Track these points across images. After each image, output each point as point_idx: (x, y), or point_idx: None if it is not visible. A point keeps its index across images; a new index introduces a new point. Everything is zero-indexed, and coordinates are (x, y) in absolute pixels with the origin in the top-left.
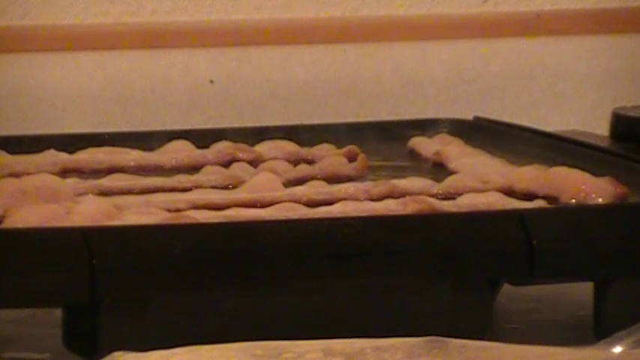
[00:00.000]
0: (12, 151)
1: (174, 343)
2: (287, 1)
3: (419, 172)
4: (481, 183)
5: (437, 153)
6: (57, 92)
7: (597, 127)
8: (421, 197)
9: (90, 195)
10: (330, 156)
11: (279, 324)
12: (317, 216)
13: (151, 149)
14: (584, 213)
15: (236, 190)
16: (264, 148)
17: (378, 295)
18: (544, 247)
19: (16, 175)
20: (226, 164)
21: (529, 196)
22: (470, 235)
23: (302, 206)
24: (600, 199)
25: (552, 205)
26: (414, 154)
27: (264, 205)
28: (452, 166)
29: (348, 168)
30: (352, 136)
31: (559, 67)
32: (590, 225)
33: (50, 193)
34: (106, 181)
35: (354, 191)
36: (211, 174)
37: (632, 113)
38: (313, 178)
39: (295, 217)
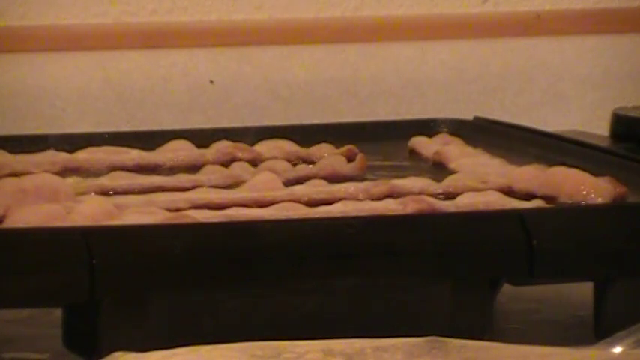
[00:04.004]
0: (12, 151)
1: (174, 343)
2: (287, 1)
3: (419, 172)
4: (481, 183)
5: (437, 153)
6: (57, 92)
7: (597, 127)
8: (421, 197)
9: (90, 195)
10: (329, 156)
11: (279, 324)
12: (317, 216)
13: (151, 149)
14: (584, 213)
15: (236, 190)
16: (263, 147)
17: (378, 295)
18: (544, 247)
19: (16, 174)
20: (226, 164)
21: (528, 196)
22: (470, 235)
23: (302, 206)
24: (600, 199)
25: (552, 205)
26: (414, 154)
27: (264, 205)
28: (452, 166)
29: (347, 168)
30: (352, 136)
31: (559, 67)
32: (590, 225)
33: (51, 193)
34: (107, 181)
35: (354, 191)
36: (211, 174)
37: (632, 113)
38: (312, 177)
39: (295, 217)
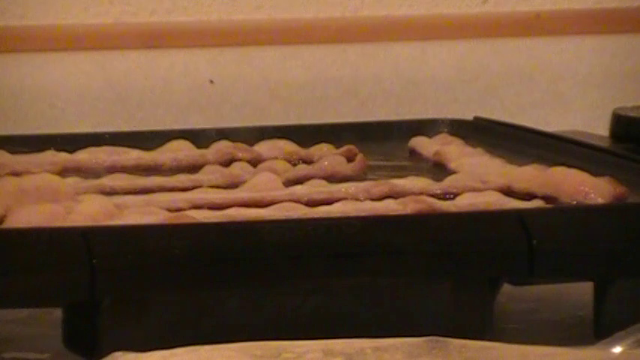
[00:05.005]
0: (12, 151)
1: (174, 343)
2: (287, 1)
3: (419, 172)
4: (481, 183)
5: (437, 153)
6: (57, 92)
7: (597, 127)
8: (421, 197)
9: (91, 194)
10: (329, 156)
11: (279, 324)
12: (317, 216)
13: (151, 149)
14: (584, 213)
15: (236, 190)
16: (263, 147)
17: (378, 295)
18: (544, 247)
19: (16, 174)
20: (226, 164)
21: (528, 196)
22: (470, 235)
23: (302, 206)
24: (599, 199)
25: (552, 205)
26: (414, 154)
27: (264, 205)
28: (452, 166)
29: (347, 168)
30: (352, 136)
31: (559, 67)
32: (590, 225)
33: (51, 193)
34: (107, 181)
35: (354, 191)
36: (211, 174)
37: (632, 113)
38: (312, 177)
39: (295, 217)
